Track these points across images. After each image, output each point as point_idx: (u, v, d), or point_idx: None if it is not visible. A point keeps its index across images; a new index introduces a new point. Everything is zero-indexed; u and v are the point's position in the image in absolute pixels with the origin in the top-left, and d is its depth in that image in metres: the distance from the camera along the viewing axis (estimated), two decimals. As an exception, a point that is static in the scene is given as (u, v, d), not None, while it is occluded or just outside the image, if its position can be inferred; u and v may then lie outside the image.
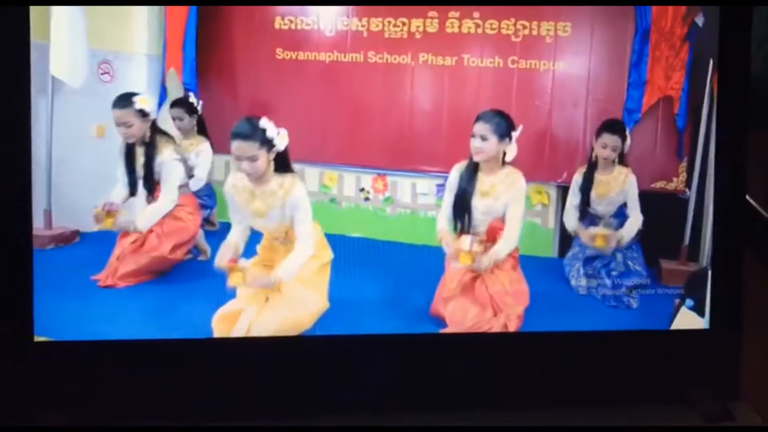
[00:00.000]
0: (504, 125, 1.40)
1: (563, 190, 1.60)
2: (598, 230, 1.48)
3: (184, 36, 1.54)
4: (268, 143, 1.28)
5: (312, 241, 1.35)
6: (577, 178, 1.56)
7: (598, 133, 1.50)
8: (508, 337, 1.36)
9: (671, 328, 1.35)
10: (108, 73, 1.48)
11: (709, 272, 1.31)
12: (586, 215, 1.58)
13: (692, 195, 1.47)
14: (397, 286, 1.42)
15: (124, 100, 1.42)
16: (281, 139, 1.29)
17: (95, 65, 1.46)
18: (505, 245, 1.43)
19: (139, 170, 1.48)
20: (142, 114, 1.44)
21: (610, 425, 1.19)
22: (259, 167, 1.28)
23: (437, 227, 1.48)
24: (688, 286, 1.38)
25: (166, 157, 1.49)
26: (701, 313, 1.33)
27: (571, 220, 1.59)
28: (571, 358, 1.28)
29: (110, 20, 1.46)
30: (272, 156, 1.30)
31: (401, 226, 1.63)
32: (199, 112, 1.55)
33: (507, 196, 1.42)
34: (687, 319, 1.35)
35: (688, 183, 1.48)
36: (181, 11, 1.51)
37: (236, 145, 1.26)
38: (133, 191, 1.48)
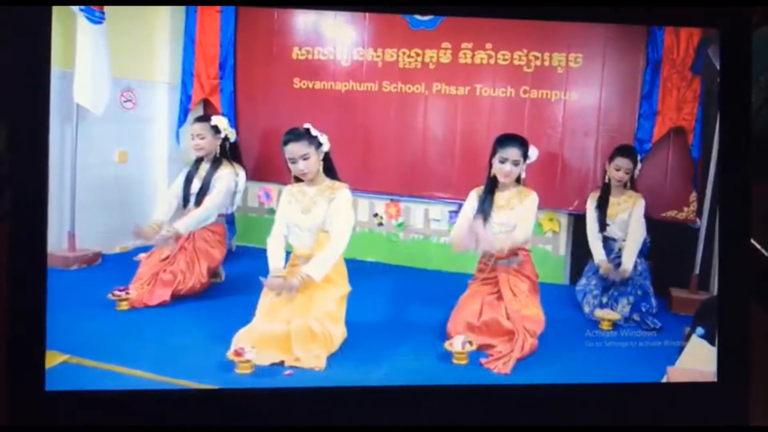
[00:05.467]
0: (527, 149, 1.43)
1: (574, 218, 1.62)
2: (605, 314, 1.49)
3: (219, 69, 1.61)
4: (315, 141, 1.39)
5: (344, 245, 1.40)
6: (591, 202, 1.57)
7: (612, 157, 1.52)
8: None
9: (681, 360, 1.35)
10: (130, 100, 1.53)
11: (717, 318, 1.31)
12: (604, 240, 1.59)
13: (703, 224, 1.47)
14: (410, 310, 1.45)
15: (204, 117, 1.59)
16: (325, 140, 1.40)
17: (118, 93, 1.51)
18: (520, 232, 1.44)
19: (196, 184, 1.57)
20: (216, 130, 1.56)
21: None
22: (312, 165, 1.40)
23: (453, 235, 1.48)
24: (698, 314, 1.39)
25: (225, 172, 1.58)
26: (712, 342, 1.33)
27: (594, 240, 1.57)
28: (572, 409, 1.29)
29: (133, 50, 1.51)
30: (321, 156, 1.40)
31: (414, 251, 1.66)
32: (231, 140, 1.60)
33: (522, 206, 1.45)
34: (697, 347, 1.36)
35: (699, 213, 1.49)
36: (214, 44, 1.58)
37: (290, 148, 1.37)
38: (185, 204, 1.57)
